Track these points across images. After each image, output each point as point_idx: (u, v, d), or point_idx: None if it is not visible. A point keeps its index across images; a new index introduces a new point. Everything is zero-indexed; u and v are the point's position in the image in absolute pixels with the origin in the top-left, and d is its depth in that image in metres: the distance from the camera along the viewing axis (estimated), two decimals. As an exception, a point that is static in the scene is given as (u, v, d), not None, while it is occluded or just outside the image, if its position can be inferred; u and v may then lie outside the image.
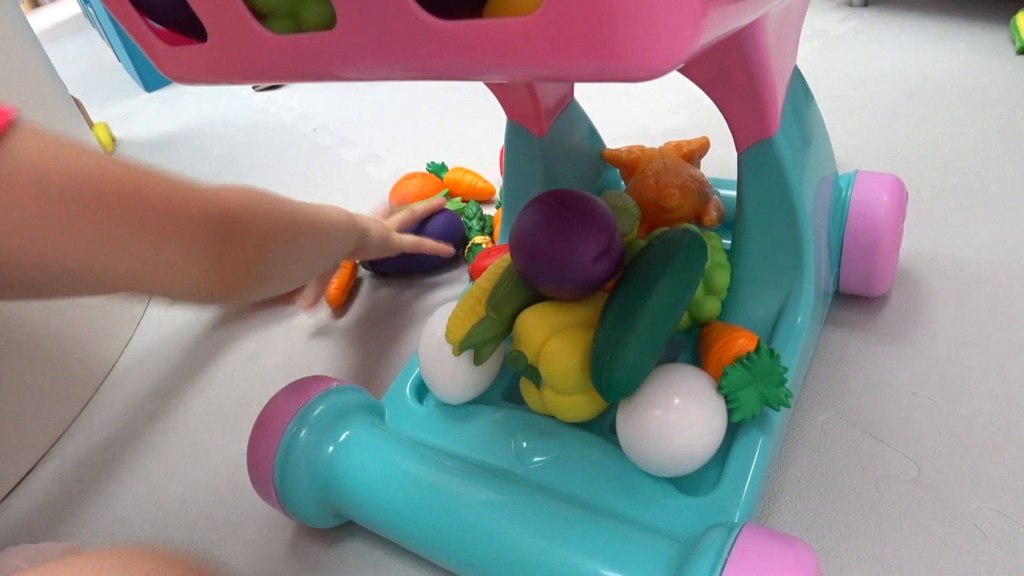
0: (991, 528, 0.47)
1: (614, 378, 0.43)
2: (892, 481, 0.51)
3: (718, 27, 0.23)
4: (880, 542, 0.48)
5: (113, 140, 1.56)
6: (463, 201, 0.95)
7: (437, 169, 1.00)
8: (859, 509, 0.50)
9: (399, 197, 0.95)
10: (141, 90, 1.90)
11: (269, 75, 0.32)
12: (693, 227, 0.51)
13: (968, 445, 0.52)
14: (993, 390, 0.56)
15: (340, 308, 0.83)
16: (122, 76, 2.07)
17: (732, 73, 0.44)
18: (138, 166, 0.39)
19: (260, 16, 0.30)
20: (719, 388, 0.46)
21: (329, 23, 0.27)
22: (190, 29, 0.35)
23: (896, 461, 0.52)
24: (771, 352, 0.45)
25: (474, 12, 0.25)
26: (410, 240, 0.75)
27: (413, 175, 0.98)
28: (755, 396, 0.46)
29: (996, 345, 0.59)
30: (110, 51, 2.23)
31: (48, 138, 0.36)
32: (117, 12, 0.35)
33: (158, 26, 0.37)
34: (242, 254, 0.43)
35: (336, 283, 0.82)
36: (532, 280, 0.49)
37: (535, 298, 0.51)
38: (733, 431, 0.47)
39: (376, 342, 0.76)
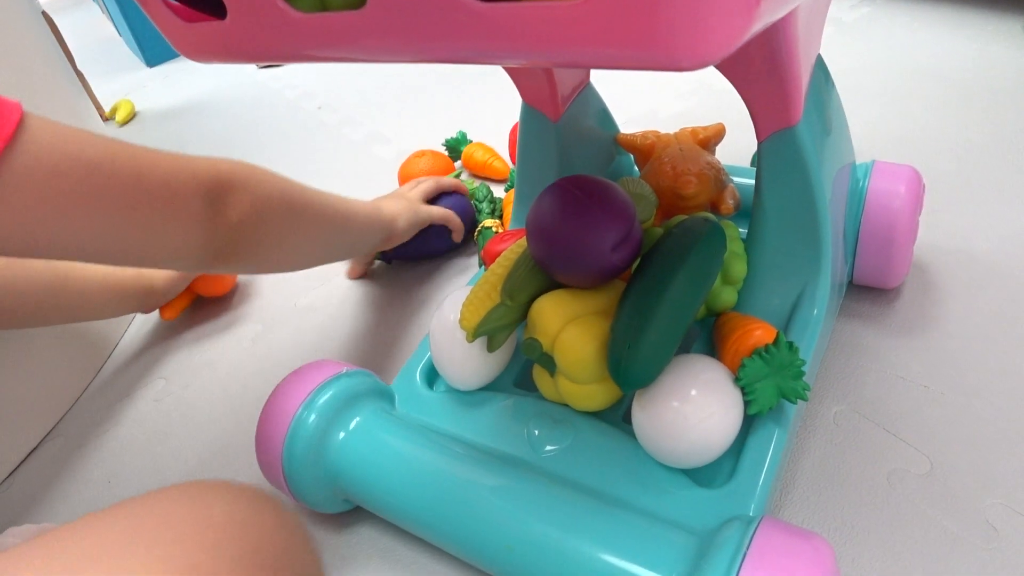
0: (1003, 524, 0.47)
1: (633, 368, 0.43)
2: (904, 475, 0.51)
3: (769, 15, 0.22)
4: (892, 536, 0.48)
5: (135, 114, 1.56)
6: (475, 179, 0.94)
7: (455, 143, 0.99)
8: (871, 503, 0.50)
9: (407, 176, 0.94)
10: (142, 65, 1.88)
11: (291, 55, 0.32)
12: (712, 216, 0.50)
13: (981, 440, 0.52)
14: (1007, 384, 0.55)
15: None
16: (122, 51, 2.04)
17: (758, 60, 0.43)
18: (136, 147, 0.41)
19: (284, -7, 0.29)
20: (736, 380, 0.45)
21: (357, 1, 0.27)
22: (207, 5, 0.34)
23: (909, 455, 0.52)
24: (790, 345, 0.45)
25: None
26: (438, 211, 0.76)
27: (422, 153, 0.96)
28: (772, 389, 0.45)
29: (1010, 339, 0.59)
30: (110, 25, 2.19)
31: (55, 130, 0.37)
32: (132, -14, 0.34)
33: (173, 1, 0.36)
34: (231, 216, 0.45)
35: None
36: (549, 267, 0.48)
37: (551, 285, 0.50)
38: (748, 423, 0.47)
39: (384, 326, 0.76)
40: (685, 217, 0.50)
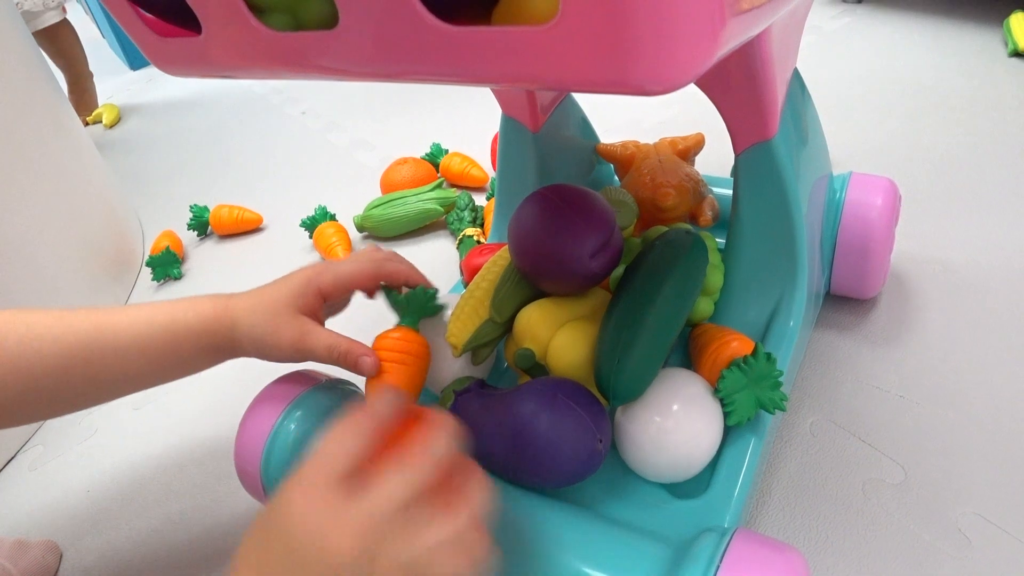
0: (976, 534, 0.48)
1: (621, 383, 0.43)
2: (879, 485, 0.51)
3: (736, 38, 0.22)
4: (866, 546, 0.48)
5: (119, 117, 1.56)
6: (453, 187, 0.94)
7: (431, 157, 0.99)
8: (846, 513, 0.50)
9: (390, 183, 0.94)
10: (126, 68, 1.87)
11: (265, 72, 0.32)
12: (690, 228, 0.51)
13: (955, 450, 0.53)
14: (981, 395, 0.56)
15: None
16: (106, 53, 2.03)
17: (734, 75, 0.44)
18: None
19: (258, 11, 0.29)
20: (716, 391, 0.45)
21: (330, 22, 0.27)
22: (183, 19, 0.34)
23: (883, 465, 0.53)
24: (768, 355, 0.45)
25: (482, 16, 0.24)
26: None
27: (405, 160, 0.96)
28: (751, 399, 0.45)
29: (985, 349, 0.59)
30: (94, 27, 2.18)
31: None
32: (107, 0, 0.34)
33: (149, 15, 0.36)
34: None
35: (340, 242, 0.85)
36: (530, 273, 0.48)
37: (533, 297, 0.50)
38: (725, 434, 0.47)
39: (363, 335, 0.75)
40: (667, 229, 0.50)
